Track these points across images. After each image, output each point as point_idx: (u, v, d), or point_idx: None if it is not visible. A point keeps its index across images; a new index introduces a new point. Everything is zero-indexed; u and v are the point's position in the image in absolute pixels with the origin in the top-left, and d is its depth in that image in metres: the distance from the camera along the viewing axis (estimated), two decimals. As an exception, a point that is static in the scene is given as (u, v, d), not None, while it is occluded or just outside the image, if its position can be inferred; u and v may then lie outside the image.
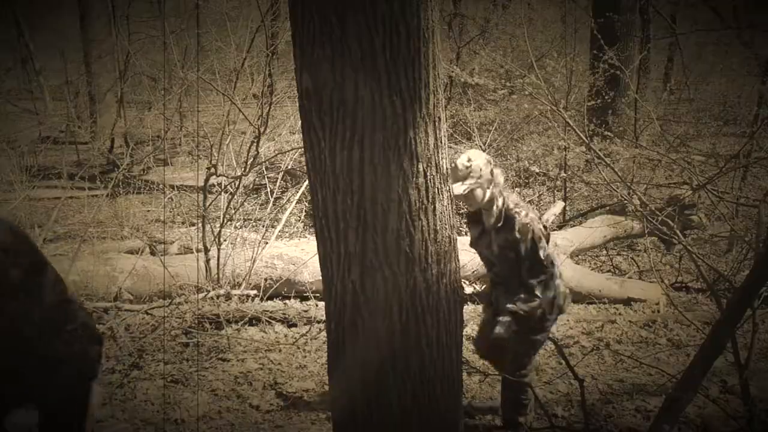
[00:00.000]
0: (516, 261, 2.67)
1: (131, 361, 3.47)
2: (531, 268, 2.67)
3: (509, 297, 2.71)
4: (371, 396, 1.84)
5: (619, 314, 4.26)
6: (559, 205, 5.51)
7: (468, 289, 4.66)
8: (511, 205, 2.70)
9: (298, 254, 4.30)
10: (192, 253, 4.61)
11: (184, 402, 3.13)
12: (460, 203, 2.70)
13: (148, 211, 6.47)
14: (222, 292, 4.06)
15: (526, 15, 8.12)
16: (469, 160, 2.62)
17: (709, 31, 8.26)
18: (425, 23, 1.61)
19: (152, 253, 4.86)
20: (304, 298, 4.24)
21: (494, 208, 2.69)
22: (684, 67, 8.84)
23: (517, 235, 2.64)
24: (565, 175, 6.27)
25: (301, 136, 1.81)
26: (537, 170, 6.50)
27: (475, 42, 8.02)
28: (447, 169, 1.78)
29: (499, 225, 2.69)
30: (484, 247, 2.78)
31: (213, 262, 4.25)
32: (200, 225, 4.59)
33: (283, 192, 6.36)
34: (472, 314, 4.15)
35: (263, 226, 5.15)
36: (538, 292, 2.67)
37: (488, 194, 2.66)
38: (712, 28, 7.83)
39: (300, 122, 1.78)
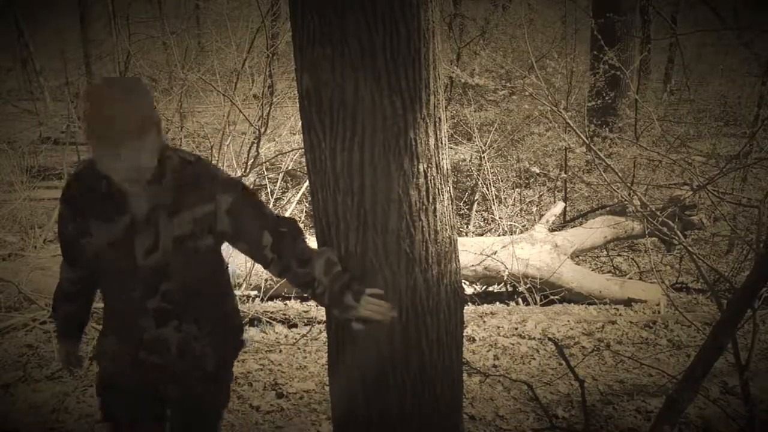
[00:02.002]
0: (211, 252, 1.70)
1: (131, 362, 3.47)
2: (275, 235, 1.67)
3: (196, 328, 1.74)
4: (371, 396, 1.84)
5: (620, 315, 4.27)
6: (559, 206, 5.51)
7: (468, 290, 4.67)
8: (189, 157, 1.68)
9: (299, 255, 4.30)
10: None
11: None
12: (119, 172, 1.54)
13: (149, 211, 6.47)
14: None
15: (527, 16, 8.12)
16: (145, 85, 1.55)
17: (710, 32, 8.26)
18: (425, 23, 1.61)
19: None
20: (304, 299, 4.24)
21: (168, 165, 1.62)
22: (684, 68, 8.84)
23: (225, 197, 1.63)
24: (565, 175, 6.28)
25: (302, 136, 1.81)
26: (537, 171, 6.52)
27: (476, 43, 8.03)
28: (448, 169, 1.78)
29: (182, 194, 1.63)
30: (132, 250, 1.63)
31: (213, 263, 4.25)
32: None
33: (283, 193, 6.37)
34: (473, 315, 4.16)
35: (263, 227, 5.15)
36: (322, 264, 1.68)
37: (159, 146, 1.59)
38: (713, 28, 7.83)
39: (300, 123, 1.78)
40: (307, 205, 5.92)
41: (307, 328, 3.93)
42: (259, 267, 4.21)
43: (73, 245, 1.72)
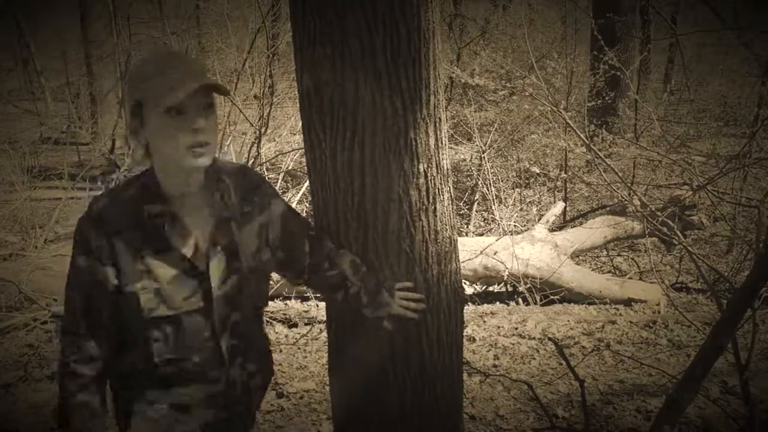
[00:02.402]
0: (269, 268, 1.54)
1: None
2: (310, 237, 1.62)
3: (254, 365, 1.54)
4: (372, 396, 1.84)
5: (620, 315, 4.27)
6: (559, 206, 5.52)
7: (468, 290, 4.67)
8: (236, 164, 1.55)
9: (299, 255, 4.30)
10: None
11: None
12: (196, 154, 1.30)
13: (149, 211, 6.47)
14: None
15: (527, 16, 8.13)
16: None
17: (710, 32, 8.26)
18: (425, 23, 1.62)
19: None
20: (304, 299, 4.25)
21: (222, 169, 1.45)
22: (684, 68, 8.84)
23: (277, 204, 1.53)
24: (565, 175, 6.28)
25: (302, 136, 1.81)
26: (537, 171, 6.53)
27: (476, 43, 8.03)
28: (448, 169, 1.79)
29: (245, 203, 1.45)
30: (206, 278, 1.38)
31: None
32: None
33: (283, 193, 6.36)
34: (473, 315, 4.16)
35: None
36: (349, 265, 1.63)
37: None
38: (713, 28, 7.83)
39: (300, 123, 1.78)
40: (307, 205, 5.92)
41: (308, 327, 3.93)
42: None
43: (109, 303, 1.35)
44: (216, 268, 1.37)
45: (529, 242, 4.62)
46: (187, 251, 1.35)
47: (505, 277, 4.46)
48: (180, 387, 1.43)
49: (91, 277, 1.34)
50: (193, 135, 1.27)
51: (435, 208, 1.73)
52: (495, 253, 4.41)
